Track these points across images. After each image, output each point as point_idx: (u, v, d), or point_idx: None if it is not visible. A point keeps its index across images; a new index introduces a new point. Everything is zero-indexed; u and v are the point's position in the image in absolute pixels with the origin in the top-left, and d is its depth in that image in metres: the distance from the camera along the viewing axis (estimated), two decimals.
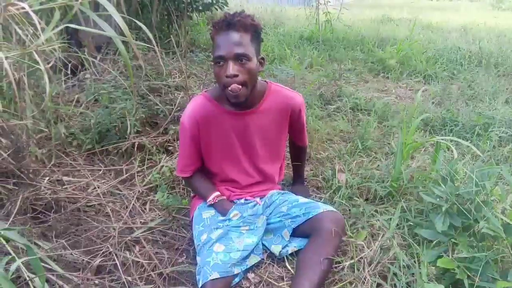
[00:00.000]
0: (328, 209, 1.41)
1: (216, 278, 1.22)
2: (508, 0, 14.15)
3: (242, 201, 1.54)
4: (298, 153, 1.79)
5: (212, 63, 1.33)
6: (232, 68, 1.26)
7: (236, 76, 1.27)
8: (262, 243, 1.45)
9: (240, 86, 1.29)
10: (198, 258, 1.34)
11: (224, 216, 1.46)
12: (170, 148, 2.13)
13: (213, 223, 1.43)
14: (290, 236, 1.43)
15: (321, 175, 1.99)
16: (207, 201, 1.50)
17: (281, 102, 1.49)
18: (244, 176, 1.56)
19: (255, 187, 1.58)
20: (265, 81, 1.51)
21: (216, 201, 1.49)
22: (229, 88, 1.29)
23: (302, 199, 1.50)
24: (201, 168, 1.59)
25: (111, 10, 1.55)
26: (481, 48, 4.58)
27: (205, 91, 1.49)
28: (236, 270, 1.29)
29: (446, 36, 5.88)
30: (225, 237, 1.37)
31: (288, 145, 1.80)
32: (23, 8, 1.61)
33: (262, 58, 1.39)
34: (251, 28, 1.30)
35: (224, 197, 1.53)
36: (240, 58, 1.27)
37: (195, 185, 1.57)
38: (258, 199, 1.54)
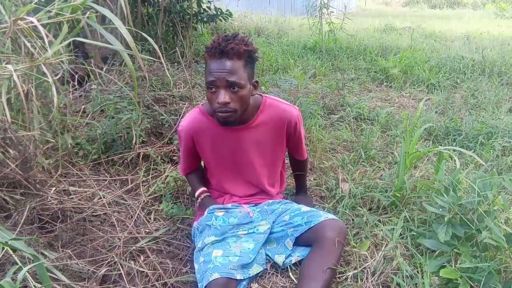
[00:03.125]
0: (330, 217, 1.42)
1: (218, 278, 1.23)
2: None
3: (234, 208, 1.55)
4: (298, 166, 1.80)
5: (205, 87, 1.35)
6: (223, 96, 1.27)
7: (227, 103, 1.29)
8: (265, 253, 1.46)
9: (231, 113, 1.31)
10: (196, 266, 1.36)
11: (204, 212, 1.52)
12: (175, 158, 2.16)
13: (212, 231, 1.45)
14: (293, 245, 1.44)
15: (324, 184, 2.00)
16: (195, 196, 1.61)
17: (276, 116, 1.49)
18: (241, 188, 1.59)
19: (253, 197, 1.61)
20: (260, 94, 1.51)
21: (202, 197, 1.58)
22: (220, 114, 1.32)
23: (304, 208, 1.51)
24: (199, 168, 1.70)
25: (118, 23, 1.59)
26: (484, 56, 4.59)
27: (201, 105, 1.52)
28: (238, 276, 1.29)
29: (449, 45, 5.90)
30: (222, 242, 1.40)
31: (288, 157, 1.81)
32: (31, 22, 1.66)
33: (256, 82, 1.40)
34: (245, 54, 1.29)
35: (209, 194, 1.61)
36: (232, 86, 1.28)
37: (189, 181, 1.70)
38: (248, 209, 1.54)
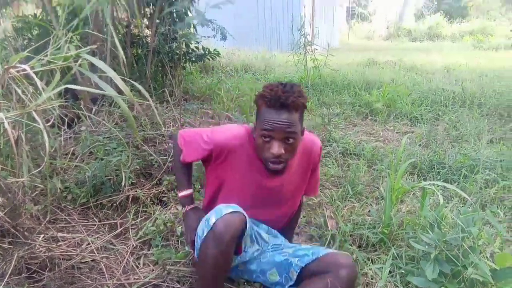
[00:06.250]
0: (338, 251, 1.41)
1: (233, 212, 1.21)
2: (489, 40, 14.88)
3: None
4: (296, 213, 1.68)
5: (255, 130, 1.34)
6: (278, 148, 1.27)
7: (280, 156, 1.28)
8: (268, 281, 1.45)
9: (282, 163, 1.32)
10: (203, 222, 1.28)
11: (184, 240, 1.40)
12: (164, 199, 2.16)
13: None
14: (296, 277, 1.37)
15: (313, 221, 2.02)
16: (180, 195, 1.50)
17: (305, 149, 1.45)
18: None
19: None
20: None
21: (188, 208, 1.48)
22: (272, 165, 1.31)
23: (304, 245, 1.51)
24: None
25: (112, 74, 1.64)
26: (464, 89, 4.77)
27: (248, 126, 1.46)
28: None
29: (430, 77, 6.12)
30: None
31: None
32: (24, 70, 1.70)
33: (304, 128, 1.39)
34: (302, 106, 1.31)
35: (197, 206, 1.51)
36: (288, 138, 1.28)
37: (177, 170, 1.52)
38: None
